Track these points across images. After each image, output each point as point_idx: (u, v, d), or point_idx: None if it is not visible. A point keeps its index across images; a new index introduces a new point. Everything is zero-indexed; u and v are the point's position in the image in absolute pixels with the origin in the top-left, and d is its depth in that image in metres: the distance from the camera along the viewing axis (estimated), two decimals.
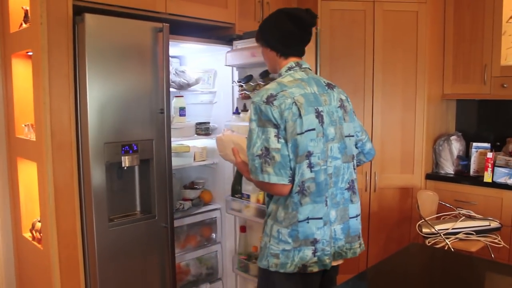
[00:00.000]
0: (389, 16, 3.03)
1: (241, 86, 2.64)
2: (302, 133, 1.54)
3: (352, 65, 3.06)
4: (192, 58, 3.07)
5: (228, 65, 2.66)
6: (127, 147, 2.12)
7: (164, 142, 2.24)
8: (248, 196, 2.49)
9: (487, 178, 2.94)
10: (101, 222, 2.05)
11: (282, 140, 1.54)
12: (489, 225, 2.69)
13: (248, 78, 2.61)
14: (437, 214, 2.98)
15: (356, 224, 1.72)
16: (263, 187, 1.63)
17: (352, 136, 1.72)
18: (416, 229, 2.77)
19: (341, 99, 1.71)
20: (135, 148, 2.14)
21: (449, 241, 2.62)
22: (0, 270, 2.50)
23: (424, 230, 2.71)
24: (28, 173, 2.34)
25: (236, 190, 2.54)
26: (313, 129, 1.56)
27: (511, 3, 2.97)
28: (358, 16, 3.03)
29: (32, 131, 2.19)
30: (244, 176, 1.82)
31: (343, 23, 3.04)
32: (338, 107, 1.68)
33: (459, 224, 2.70)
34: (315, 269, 1.59)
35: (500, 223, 2.70)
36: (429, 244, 2.61)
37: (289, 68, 1.68)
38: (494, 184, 2.91)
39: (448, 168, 3.21)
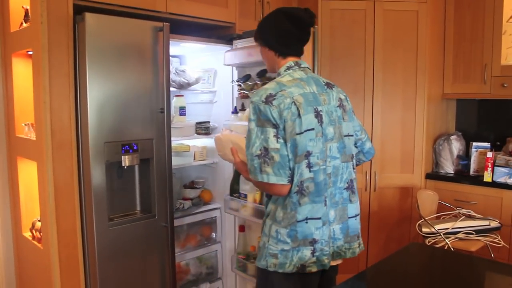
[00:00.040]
0: (390, 15, 3.03)
1: (240, 85, 2.64)
2: (301, 133, 1.53)
3: (352, 64, 3.06)
4: (192, 58, 3.07)
5: (227, 65, 2.66)
6: (127, 146, 2.12)
7: (164, 142, 2.24)
8: (246, 196, 2.49)
9: (487, 177, 2.94)
10: (101, 222, 2.05)
11: (281, 140, 1.53)
12: (489, 225, 2.69)
13: (246, 78, 2.61)
14: (437, 213, 2.98)
15: (355, 224, 1.71)
16: (262, 187, 1.63)
17: (352, 135, 1.72)
18: (416, 229, 2.77)
19: (340, 98, 1.70)
20: (135, 147, 2.14)
21: (449, 241, 2.62)
22: (0, 270, 2.50)
23: (424, 229, 2.71)
24: (28, 173, 2.34)
25: (235, 190, 2.54)
26: (312, 129, 1.55)
27: (511, 2, 2.98)
28: (358, 15, 3.03)
29: (32, 130, 2.19)
30: (243, 176, 1.81)
31: (343, 22, 3.03)
32: (337, 106, 1.67)
33: (459, 223, 2.70)
34: (314, 269, 1.59)
35: (500, 223, 2.70)
36: (429, 244, 2.61)
37: (288, 68, 1.68)
38: (494, 184, 2.91)
39: (448, 167, 3.21)
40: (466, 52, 3.16)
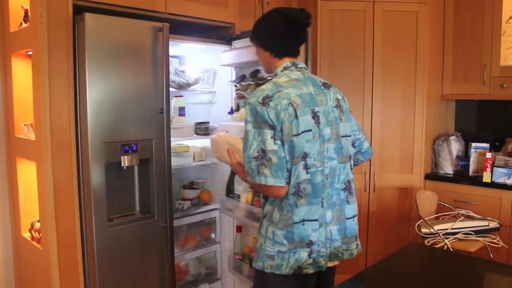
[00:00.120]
0: (389, 16, 3.03)
1: (236, 85, 2.65)
2: (299, 134, 1.52)
3: (352, 65, 3.06)
4: (192, 58, 3.07)
5: (223, 65, 2.67)
6: (126, 146, 2.12)
7: (164, 142, 2.24)
8: (239, 196, 2.49)
9: (486, 178, 2.94)
10: (100, 222, 2.05)
11: (278, 142, 1.52)
12: (488, 225, 2.69)
13: (241, 78, 2.61)
14: (436, 214, 2.98)
15: (353, 225, 1.71)
16: (260, 189, 1.62)
17: (349, 136, 1.71)
18: (415, 229, 2.78)
19: (337, 98, 1.69)
20: (134, 147, 2.14)
21: (448, 241, 2.62)
22: None
23: (423, 230, 2.72)
24: (27, 173, 2.34)
25: (230, 190, 2.55)
26: (309, 130, 1.55)
27: (511, 3, 2.98)
28: (358, 16, 3.03)
29: (31, 130, 2.19)
30: (239, 177, 1.81)
31: (343, 23, 3.04)
32: (335, 107, 1.66)
33: (458, 224, 2.70)
34: (311, 270, 1.58)
35: (499, 223, 2.71)
36: (428, 244, 2.62)
37: (285, 68, 1.66)
38: (493, 184, 2.91)
39: (447, 168, 3.21)
40: (466, 52, 3.17)
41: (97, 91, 2.00)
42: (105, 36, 2.00)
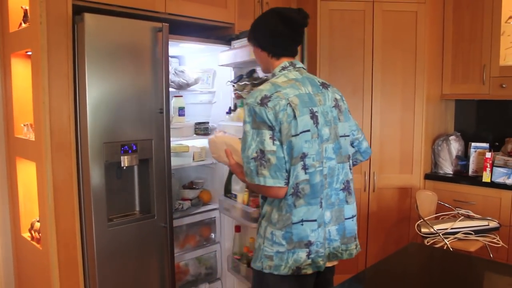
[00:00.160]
0: (389, 16, 3.03)
1: (233, 86, 2.65)
2: (297, 134, 1.52)
3: (351, 65, 3.06)
4: (192, 58, 3.07)
5: (221, 65, 2.67)
6: (126, 147, 2.12)
7: (163, 142, 2.24)
8: (236, 196, 2.48)
9: (486, 178, 2.94)
10: (100, 222, 2.05)
11: (277, 142, 1.52)
12: (488, 225, 2.69)
13: (238, 78, 2.62)
14: (436, 214, 2.98)
15: (352, 225, 1.70)
16: (259, 190, 1.61)
17: (348, 135, 1.71)
18: (415, 229, 2.78)
19: (335, 98, 1.69)
20: (134, 148, 2.14)
21: (448, 241, 2.63)
22: None
23: (423, 230, 2.72)
24: (27, 173, 2.34)
25: (228, 190, 2.55)
26: (308, 130, 1.54)
27: (510, 3, 2.98)
28: (357, 16, 3.03)
29: (31, 130, 2.19)
30: (238, 178, 1.80)
31: (342, 23, 3.04)
32: (333, 106, 1.66)
33: (458, 224, 2.70)
34: (309, 271, 1.58)
35: (498, 223, 2.71)
36: (428, 244, 2.62)
37: (283, 68, 1.66)
38: (492, 184, 2.91)
39: (447, 168, 3.21)
40: (465, 52, 3.17)
41: (96, 91, 2.00)
42: (104, 36, 2.00)
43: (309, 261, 1.57)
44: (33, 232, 2.28)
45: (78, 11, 1.98)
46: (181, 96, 2.77)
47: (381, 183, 3.14)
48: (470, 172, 3.12)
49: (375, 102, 3.08)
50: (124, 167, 2.14)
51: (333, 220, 1.64)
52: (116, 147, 2.08)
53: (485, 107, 3.37)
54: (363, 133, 1.82)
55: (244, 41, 2.51)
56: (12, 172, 2.43)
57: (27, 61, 2.24)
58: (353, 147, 1.77)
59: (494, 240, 2.66)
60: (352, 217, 1.70)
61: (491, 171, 2.92)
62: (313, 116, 1.57)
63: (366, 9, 3.03)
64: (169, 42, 2.22)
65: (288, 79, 1.61)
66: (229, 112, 2.68)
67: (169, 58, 2.28)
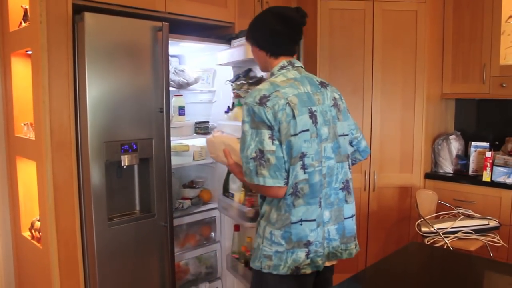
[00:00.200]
0: (389, 15, 3.03)
1: (231, 85, 2.65)
2: (296, 134, 1.51)
3: (352, 64, 3.06)
4: (192, 57, 3.07)
5: (220, 64, 2.67)
6: (126, 146, 2.12)
7: (164, 141, 2.24)
8: (233, 195, 2.49)
9: (486, 177, 2.94)
10: (100, 221, 2.05)
11: (276, 142, 1.51)
12: (488, 224, 2.69)
13: (236, 77, 2.62)
14: (436, 213, 2.98)
15: (352, 225, 1.70)
16: (258, 190, 1.61)
17: (346, 135, 1.70)
18: (415, 228, 2.78)
19: (334, 97, 1.68)
20: (134, 147, 2.14)
21: (448, 240, 2.63)
22: (0, 269, 2.50)
23: (423, 229, 2.72)
24: (27, 172, 2.34)
25: (227, 189, 2.55)
26: (307, 130, 1.54)
27: (510, 2, 2.98)
28: (357, 15, 3.03)
29: (31, 130, 2.19)
30: (237, 178, 1.80)
31: (342, 22, 3.04)
32: (332, 106, 1.65)
33: (458, 223, 2.70)
34: (308, 270, 1.58)
35: (498, 222, 2.71)
36: (428, 243, 2.62)
37: (282, 67, 1.65)
38: (492, 183, 2.91)
39: (447, 167, 3.21)
40: (465, 52, 3.17)
41: (96, 90, 2.00)
42: (104, 35, 2.00)
43: (308, 260, 1.57)
44: (33, 231, 2.28)
45: (78, 10, 1.98)
46: (181, 95, 2.77)
47: (381, 182, 3.14)
48: (470, 172, 3.12)
49: (375, 101, 3.08)
50: (124, 166, 2.15)
51: (332, 219, 1.63)
52: (116, 146, 2.09)
53: (485, 106, 3.37)
54: (361, 132, 1.82)
55: (243, 40, 2.51)
56: (12, 171, 2.43)
57: (27, 60, 2.24)
58: (352, 146, 1.77)
59: (494, 240, 2.66)
60: (352, 216, 1.70)
61: (491, 170, 2.92)
62: (312, 115, 1.56)
63: (366, 8, 3.02)
64: (169, 41, 2.22)
65: (287, 79, 1.61)
66: (227, 112, 2.68)
67: (169, 57, 2.28)
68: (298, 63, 1.69)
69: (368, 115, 3.09)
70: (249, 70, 2.56)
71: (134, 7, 2.21)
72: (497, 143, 3.20)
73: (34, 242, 2.25)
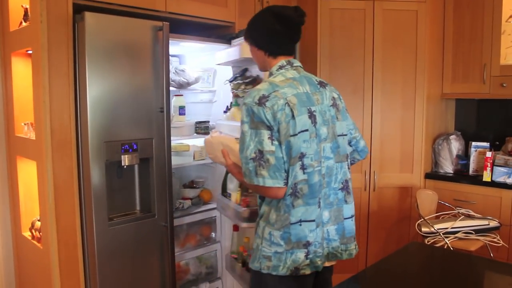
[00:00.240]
0: (389, 15, 3.03)
1: (230, 85, 2.66)
2: (296, 134, 1.51)
3: (352, 64, 3.06)
4: (192, 57, 3.07)
5: (218, 64, 2.67)
6: (127, 146, 2.12)
7: (164, 141, 2.24)
8: (230, 195, 2.49)
9: (486, 177, 2.94)
10: (100, 221, 2.05)
11: (276, 142, 1.51)
12: (488, 224, 2.69)
13: (234, 77, 2.62)
14: (436, 213, 2.98)
15: (351, 225, 1.70)
16: (258, 191, 1.60)
17: (345, 135, 1.70)
18: (415, 228, 2.78)
19: (333, 97, 1.68)
20: (135, 147, 2.14)
21: (448, 240, 2.63)
22: (0, 269, 2.50)
23: (424, 229, 2.72)
24: (27, 172, 2.34)
25: (225, 189, 2.55)
26: (306, 130, 1.53)
27: (511, 2, 2.98)
28: (357, 15, 3.03)
29: (31, 129, 2.19)
30: (236, 178, 1.79)
31: (342, 22, 3.04)
32: (331, 105, 1.65)
33: (458, 223, 2.70)
34: (308, 271, 1.57)
35: (499, 222, 2.71)
36: (428, 243, 2.62)
37: (280, 67, 1.64)
38: (493, 183, 2.91)
39: (447, 167, 3.21)
40: (465, 51, 3.17)
41: (97, 90, 2.00)
42: (105, 35, 2.00)
43: (307, 261, 1.56)
44: (33, 231, 2.28)
45: (78, 10, 1.98)
46: (182, 95, 2.77)
47: (382, 182, 3.14)
48: (471, 172, 3.12)
49: (375, 101, 3.08)
50: (125, 166, 2.14)
51: (331, 220, 1.63)
52: (117, 146, 2.08)
53: (485, 106, 3.37)
54: (360, 132, 1.82)
55: (243, 39, 2.51)
56: (13, 171, 2.43)
57: (28, 60, 2.24)
58: (350, 146, 1.76)
59: (494, 240, 2.66)
60: (351, 217, 1.70)
61: (492, 170, 2.92)
62: (311, 115, 1.56)
63: (367, 8, 3.02)
64: (170, 41, 2.22)
65: (285, 78, 1.60)
66: (226, 111, 2.68)
67: (170, 57, 2.28)
68: (297, 63, 1.68)
69: (369, 115, 3.08)
70: (246, 69, 2.56)
71: (134, 7, 2.21)
72: (497, 143, 3.20)
73: (35, 242, 2.25)
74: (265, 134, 1.50)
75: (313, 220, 1.56)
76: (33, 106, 2.05)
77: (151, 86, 2.18)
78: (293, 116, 1.51)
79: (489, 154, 2.94)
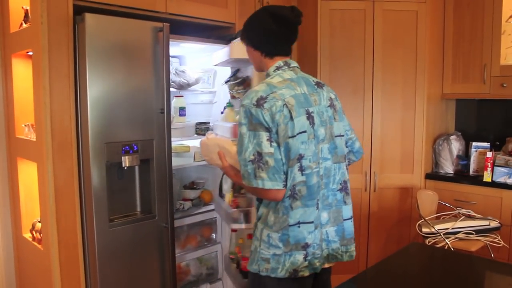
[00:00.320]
0: (389, 15, 3.03)
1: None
2: (294, 136, 1.50)
3: (352, 64, 3.06)
4: (192, 58, 3.07)
5: (215, 65, 2.67)
6: (127, 147, 2.12)
7: (164, 142, 2.24)
8: (224, 196, 2.49)
9: (487, 177, 2.94)
10: (101, 222, 2.05)
11: (274, 144, 1.49)
12: (489, 225, 2.69)
13: (228, 78, 2.62)
14: (436, 213, 2.98)
15: (351, 226, 1.69)
16: (257, 193, 1.58)
17: (343, 135, 1.69)
18: (416, 229, 2.78)
19: (330, 98, 1.67)
20: (135, 148, 2.14)
21: (449, 241, 2.63)
22: (0, 271, 2.50)
23: (424, 229, 2.72)
24: (28, 173, 2.34)
25: (222, 190, 2.55)
26: (304, 131, 1.52)
27: (511, 2, 2.98)
28: (358, 15, 3.03)
29: (32, 131, 2.19)
30: (232, 180, 1.77)
31: (343, 22, 3.04)
32: (328, 106, 1.64)
33: (459, 223, 2.70)
34: (306, 273, 1.56)
35: (499, 223, 2.71)
36: (429, 244, 2.62)
37: (277, 68, 1.63)
38: (493, 184, 2.91)
39: (448, 167, 3.21)
40: (466, 52, 3.17)
41: (97, 91, 2.00)
42: (105, 36, 2.00)
43: (306, 263, 1.55)
44: (34, 232, 2.28)
45: (79, 11, 1.98)
46: (182, 96, 2.77)
47: (382, 183, 3.14)
48: (471, 172, 3.12)
49: (375, 101, 3.08)
50: (125, 167, 2.14)
51: (330, 221, 1.62)
52: (117, 147, 2.09)
53: (486, 106, 3.37)
54: (355, 133, 1.81)
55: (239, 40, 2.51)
56: (13, 173, 2.43)
57: (28, 61, 2.24)
58: (346, 146, 1.75)
59: (495, 240, 2.66)
60: (351, 218, 1.69)
61: (492, 170, 2.92)
62: (309, 116, 1.55)
63: (367, 8, 3.02)
64: (170, 42, 2.22)
65: (283, 79, 1.58)
66: (222, 112, 2.68)
67: (170, 58, 2.28)
68: (294, 63, 1.66)
69: (369, 115, 3.08)
70: (237, 70, 2.56)
71: (134, 8, 2.21)
72: (497, 143, 3.20)
73: (35, 243, 2.25)
74: (264, 136, 1.49)
75: (312, 222, 1.55)
76: (34, 107, 2.05)
77: (151, 87, 2.18)
78: (291, 118, 1.50)
79: (489, 154, 2.94)
